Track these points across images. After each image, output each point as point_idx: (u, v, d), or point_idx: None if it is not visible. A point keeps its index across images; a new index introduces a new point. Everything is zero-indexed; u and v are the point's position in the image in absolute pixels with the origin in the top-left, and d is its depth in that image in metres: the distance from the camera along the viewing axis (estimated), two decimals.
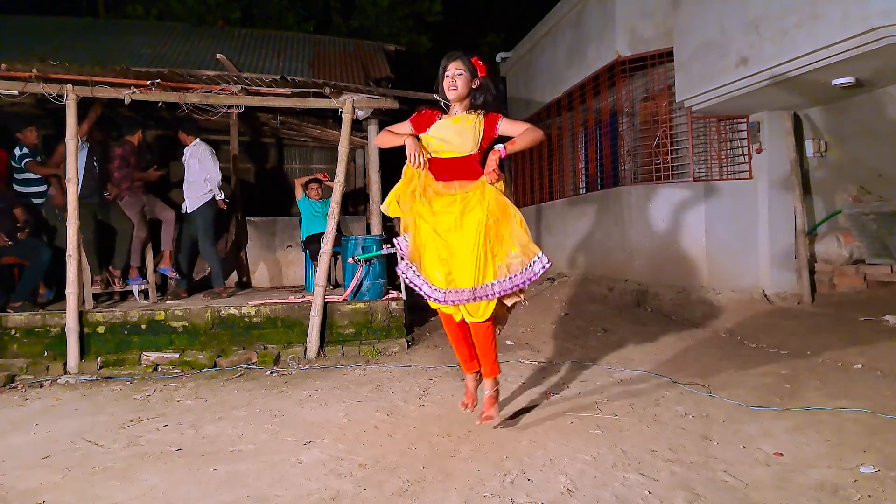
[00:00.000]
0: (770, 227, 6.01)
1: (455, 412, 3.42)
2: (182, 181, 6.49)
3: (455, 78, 3.09)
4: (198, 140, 6.30)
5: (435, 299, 3.10)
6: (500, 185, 3.13)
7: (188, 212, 6.23)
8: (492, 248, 3.05)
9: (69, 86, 5.06)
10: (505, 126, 3.14)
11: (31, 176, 5.96)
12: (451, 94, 3.11)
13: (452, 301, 3.05)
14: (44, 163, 5.96)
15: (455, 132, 3.12)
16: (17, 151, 5.82)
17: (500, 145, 3.08)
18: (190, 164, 6.22)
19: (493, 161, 3.05)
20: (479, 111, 3.15)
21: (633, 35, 6.77)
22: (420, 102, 5.60)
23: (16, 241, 5.49)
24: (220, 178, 6.23)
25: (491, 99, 3.16)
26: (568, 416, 3.33)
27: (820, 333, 4.79)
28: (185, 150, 6.31)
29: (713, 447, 2.81)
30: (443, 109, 3.23)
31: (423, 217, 3.15)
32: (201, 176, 6.14)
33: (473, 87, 3.12)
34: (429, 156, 3.15)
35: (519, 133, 3.10)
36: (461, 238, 3.07)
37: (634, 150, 6.88)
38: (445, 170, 3.15)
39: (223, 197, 6.31)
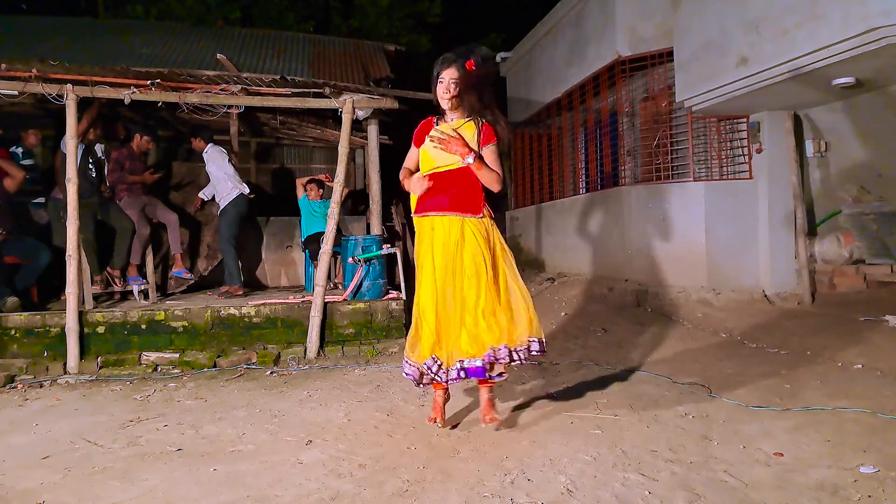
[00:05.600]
0: (770, 227, 6.01)
1: (454, 412, 3.42)
2: (186, 182, 6.55)
3: (449, 85, 3.02)
4: (210, 145, 6.41)
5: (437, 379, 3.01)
6: (499, 237, 3.11)
7: (216, 212, 6.52)
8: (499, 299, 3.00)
9: (69, 86, 5.06)
10: (488, 153, 3.07)
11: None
12: (446, 103, 3.06)
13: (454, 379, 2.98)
14: (36, 165, 6.03)
15: None
16: (16, 150, 5.86)
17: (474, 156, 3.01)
18: (209, 170, 6.43)
19: (460, 139, 2.97)
20: (478, 118, 3.08)
21: (633, 35, 6.76)
22: (420, 102, 5.59)
23: (16, 239, 5.49)
24: (232, 171, 6.36)
25: (484, 99, 3.08)
26: (568, 416, 3.33)
27: (820, 333, 4.79)
28: (203, 157, 6.49)
29: (713, 447, 2.81)
30: (439, 115, 3.16)
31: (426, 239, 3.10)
32: (220, 176, 6.33)
33: (467, 92, 3.04)
34: (426, 173, 3.08)
35: (491, 166, 3.04)
36: (464, 279, 3.00)
37: (634, 150, 6.87)
38: (445, 185, 3.05)
39: (247, 192, 6.44)
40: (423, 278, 3.08)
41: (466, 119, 3.09)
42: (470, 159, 2.97)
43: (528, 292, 3.11)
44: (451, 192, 3.04)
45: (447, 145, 2.97)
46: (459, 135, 3.02)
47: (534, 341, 2.99)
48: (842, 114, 5.84)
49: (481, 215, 3.08)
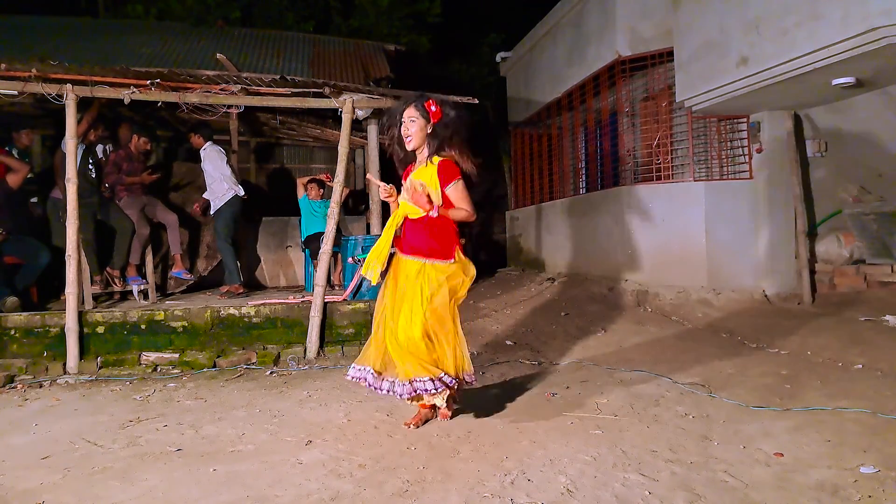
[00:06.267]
0: (770, 227, 6.02)
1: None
2: (186, 183, 6.53)
3: (408, 125, 3.07)
4: (208, 143, 6.38)
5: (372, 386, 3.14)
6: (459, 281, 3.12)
7: (211, 213, 6.46)
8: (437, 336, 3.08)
9: (69, 86, 5.05)
10: (453, 192, 3.10)
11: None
12: (407, 146, 3.12)
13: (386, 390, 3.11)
14: (31, 165, 6.04)
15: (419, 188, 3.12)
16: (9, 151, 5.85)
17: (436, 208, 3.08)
18: (205, 168, 6.39)
19: (425, 196, 3.03)
20: (437, 157, 3.09)
21: (633, 35, 6.77)
22: None
23: (16, 239, 5.48)
24: (229, 172, 6.34)
25: (448, 137, 3.09)
26: (568, 416, 3.33)
27: (820, 333, 4.79)
28: (200, 154, 6.46)
29: (713, 447, 2.81)
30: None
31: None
32: (216, 177, 6.29)
33: (428, 132, 3.08)
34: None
35: (458, 205, 3.09)
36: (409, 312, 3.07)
37: (634, 150, 6.87)
38: (417, 231, 3.14)
39: (243, 193, 6.42)
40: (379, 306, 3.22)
41: (430, 162, 3.11)
42: (434, 213, 3.07)
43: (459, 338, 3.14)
44: (421, 237, 3.13)
45: (413, 198, 3.07)
46: (426, 190, 3.06)
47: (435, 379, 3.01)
48: (842, 114, 5.84)
49: (452, 260, 3.12)
